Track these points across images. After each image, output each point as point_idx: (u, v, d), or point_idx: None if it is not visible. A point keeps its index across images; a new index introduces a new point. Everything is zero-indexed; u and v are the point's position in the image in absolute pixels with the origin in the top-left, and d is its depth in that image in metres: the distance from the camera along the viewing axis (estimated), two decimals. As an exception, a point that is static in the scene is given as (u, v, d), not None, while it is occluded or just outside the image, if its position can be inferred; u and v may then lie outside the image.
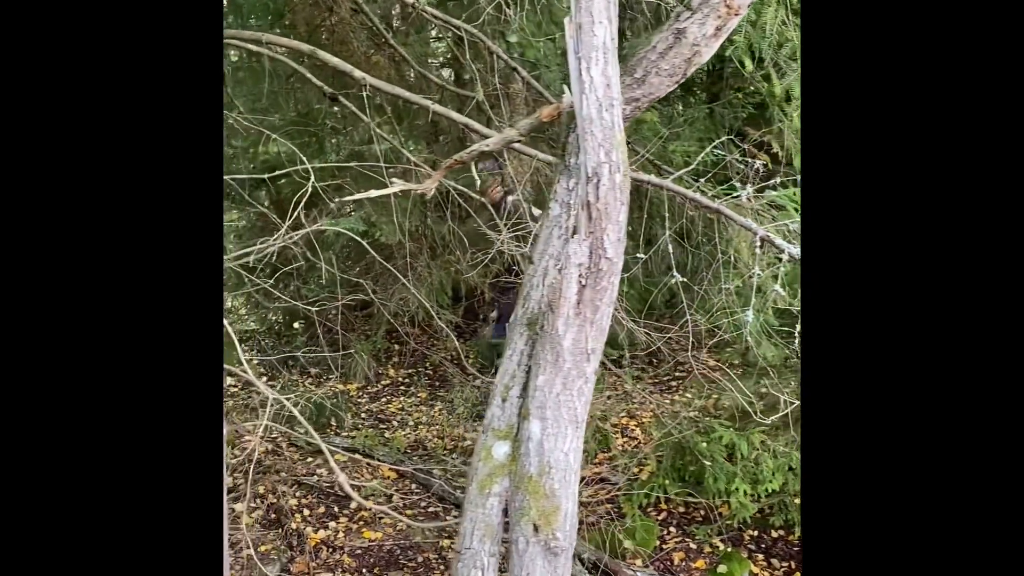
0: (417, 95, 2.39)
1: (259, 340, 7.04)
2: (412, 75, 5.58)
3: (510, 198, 5.33)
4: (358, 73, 2.34)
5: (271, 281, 2.66)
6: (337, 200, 2.32)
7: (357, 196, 1.73)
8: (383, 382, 6.71)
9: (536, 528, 1.57)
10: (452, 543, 3.76)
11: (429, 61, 6.18)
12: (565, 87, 1.63)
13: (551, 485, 1.59)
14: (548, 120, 1.65)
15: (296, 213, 2.04)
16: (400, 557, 3.63)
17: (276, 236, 2.13)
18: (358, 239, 2.50)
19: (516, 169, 3.05)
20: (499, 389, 1.74)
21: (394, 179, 1.59)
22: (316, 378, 6.56)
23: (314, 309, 3.07)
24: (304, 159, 2.14)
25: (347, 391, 6.32)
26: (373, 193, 1.64)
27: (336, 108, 5.39)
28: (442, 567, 3.55)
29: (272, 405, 2.17)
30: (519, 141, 1.72)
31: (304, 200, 2.06)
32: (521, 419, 1.65)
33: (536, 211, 4.73)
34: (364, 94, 2.28)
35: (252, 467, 2.07)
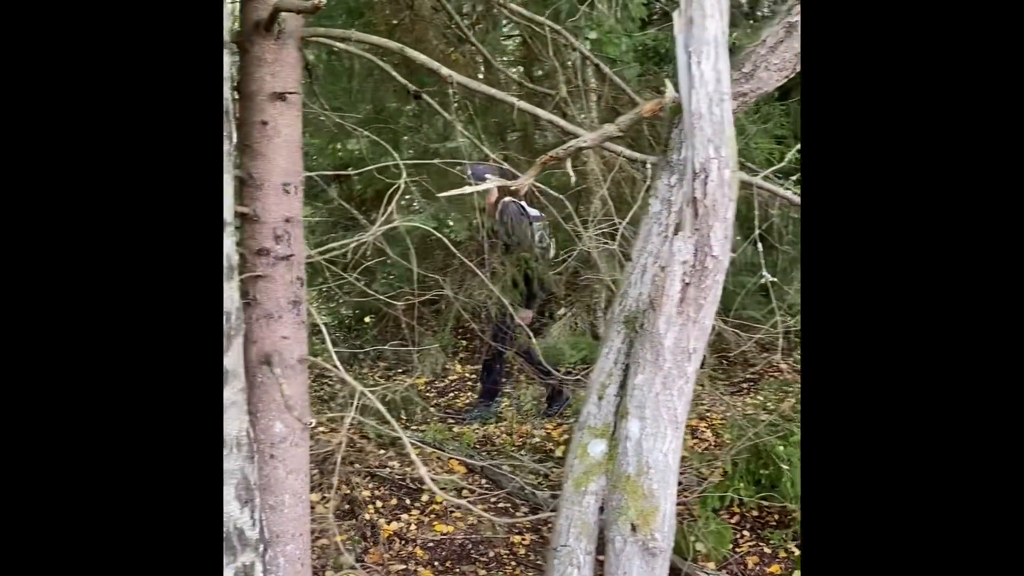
0: (502, 92, 2.39)
1: (330, 333, 7.15)
2: (482, 73, 5.61)
3: (511, 204, 5.26)
4: (445, 70, 2.35)
5: (354, 274, 2.70)
6: (440, 194, 2.33)
7: (454, 192, 1.74)
8: (450, 377, 6.77)
9: (634, 528, 1.56)
10: (523, 539, 3.77)
11: (499, 59, 6.20)
12: (668, 82, 1.61)
13: (649, 485, 1.57)
14: (649, 116, 1.63)
15: (388, 208, 2.06)
16: (472, 551, 3.66)
17: (371, 231, 2.15)
18: (439, 235, 2.52)
19: (599, 167, 3.03)
20: (595, 387, 1.73)
21: (488, 176, 1.59)
22: (385, 372, 6.66)
23: (400, 304, 3.09)
24: (394, 154, 2.16)
25: (415, 385, 6.40)
26: (469, 189, 1.65)
27: (409, 107, 5.46)
28: (513, 563, 3.57)
29: (359, 397, 2.20)
30: (619, 137, 1.71)
31: (396, 195, 2.08)
32: (618, 418, 1.64)
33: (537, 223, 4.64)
34: (451, 91, 2.29)
35: (339, 458, 2.10)
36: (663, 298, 1.54)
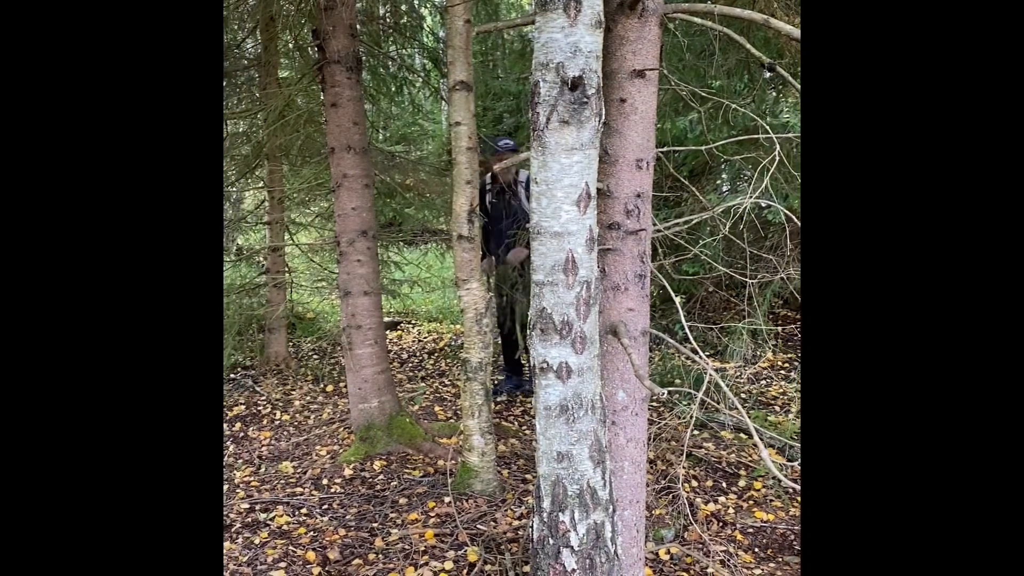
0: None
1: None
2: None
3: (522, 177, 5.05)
4: (809, 38, 2.24)
5: (697, 248, 2.69)
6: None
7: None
8: (761, 364, 6.55)
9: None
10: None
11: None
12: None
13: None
14: None
15: (761, 183, 2.02)
16: (794, 543, 3.52)
17: (717, 207, 2.13)
18: (789, 213, 2.42)
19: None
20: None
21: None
22: (692, 354, 6.62)
23: (758, 282, 3.02)
24: (764, 125, 2.11)
25: (724, 369, 6.28)
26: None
27: (736, 81, 5.31)
28: (841, 562, 3.36)
29: (709, 377, 2.20)
30: None
31: (768, 171, 2.03)
32: None
33: None
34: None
35: (687, 435, 2.12)
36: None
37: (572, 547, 2.12)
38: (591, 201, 2.07)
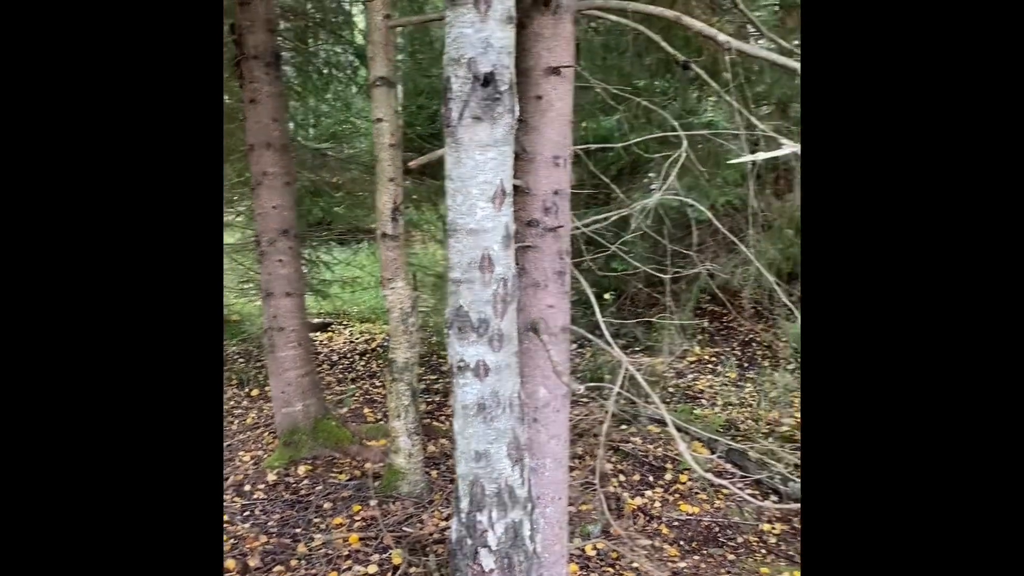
0: (784, 58, 2.27)
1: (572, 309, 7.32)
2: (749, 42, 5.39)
3: None
4: (722, 37, 2.28)
5: (615, 246, 2.71)
6: (731, 160, 2.27)
7: (745, 158, 1.68)
8: (689, 359, 6.66)
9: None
10: (773, 528, 3.63)
11: (750, 29, 5.94)
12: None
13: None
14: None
15: (667, 176, 2.03)
16: (719, 535, 3.58)
17: (633, 205, 2.15)
18: (703, 209, 2.45)
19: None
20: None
21: (785, 141, 1.51)
22: (623, 350, 6.69)
23: (671, 276, 3.05)
24: (675, 124, 2.13)
25: (653, 365, 6.37)
26: (762, 155, 1.58)
27: (658, 81, 5.38)
28: (763, 551, 3.44)
29: (624, 370, 2.21)
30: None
31: (675, 166, 2.05)
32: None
33: None
34: (728, 57, 2.21)
35: (606, 428, 2.13)
36: None
37: (490, 547, 2.10)
38: (507, 198, 2.06)
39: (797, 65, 2.17)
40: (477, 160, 1.99)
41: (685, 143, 2.01)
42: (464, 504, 2.13)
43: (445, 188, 2.07)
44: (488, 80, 1.93)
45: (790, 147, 1.50)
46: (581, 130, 5.62)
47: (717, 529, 3.63)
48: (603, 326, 2.14)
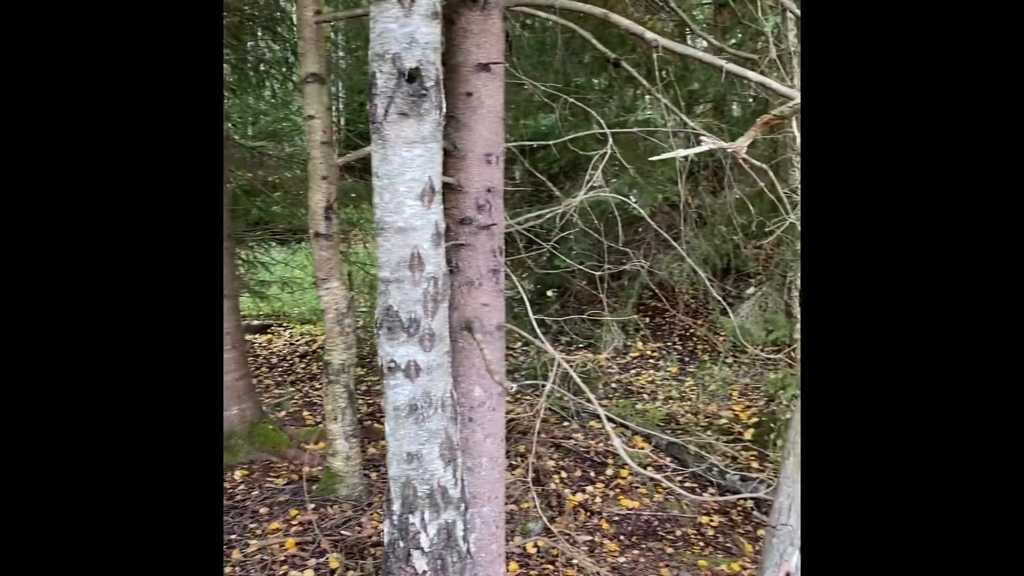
0: (709, 55, 2.30)
1: (516, 306, 7.35)
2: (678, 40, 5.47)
3: None
4: (649, 35, 2.29)
5: (548, 244, 2.71)
6: (653, 158, 2.28)
7: (667, 155, 1.69)
8: (631, 354, 6.72)
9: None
10: (711, 520, 3.68)
11: (687, 29, 6.03)
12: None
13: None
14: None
15: (591, 175, 2.04)
16: (658, 528, 3.62)
17: (567, 203, 2.14)
18: (636, 207, 2.46)
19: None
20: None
21: (704, 137, 1.52)
22: (567, 347, 6.72)
23: (605, 275, 3.06)
24: (601, 121, 2.13)
25: (596, 361, 6.41)
26: (683, 152, 1.59)
27: (598, 79, 5.41)
28: (701, 543, 3.49)
29: (557, 367, 2.21)
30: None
31: (600, 163, 2.05)
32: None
33: None
34: (656, 55, 2.23)
35: (537, 425, 2.12)
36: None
37: (423, 549, 2.08)
38: (436, 195, 2.03)
39: (723, 63, 2.19)
40: (404, 157, 1.96)
41: (611, 140, 2.01)
42: (396, 506, 2.10)
43: (372, 186, 2.03)
44: (413, 76, 1.91)
45: (708, 144, 1.51)
46: (520, 128, 5.62)
47: (656, 523, 3.66)
48: (534, 324, 2.14)
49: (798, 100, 1.69)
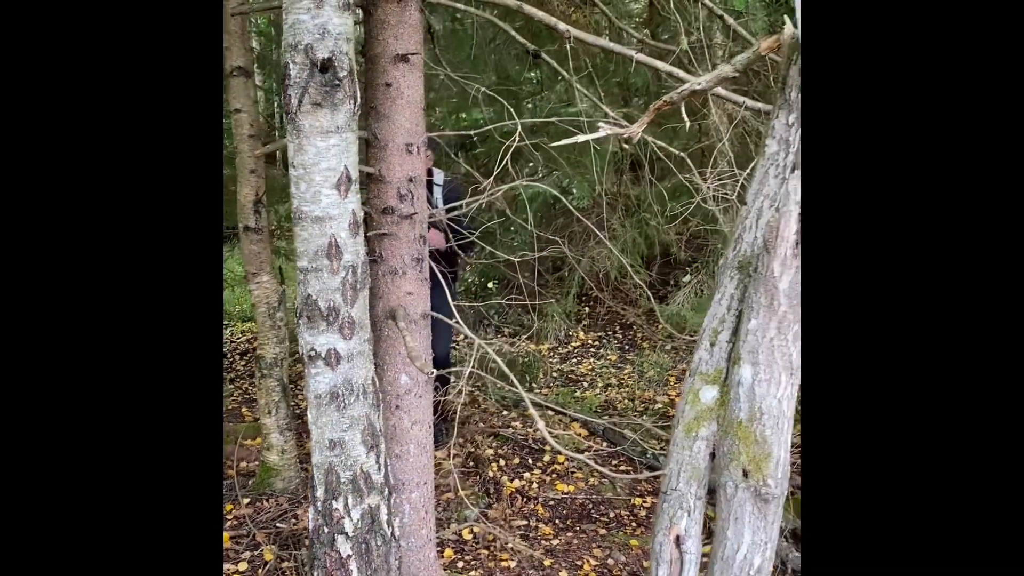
0: (621, 46, 2.37)
1: (457, 299, 7.37)
2: (608, 35, 5.56)
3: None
4: (562, 26, 2.35)
5: (475, 235, 2.76)
6: (551, 144, 2.33)
7: (566, 141, 1.74)
8: (573, 344, 6.81)
9: (746, 473, 1.53)
10: (644, 502, 3.77)
11: (624, 22, 6.13)
12: (787, 18, 1.55)
13: (762, 431, 1.54)
14: (767, 53, 1.57)
15: (502, 167, 2.09)
16: (592, 511, 3.70)
17: (489, 192, 2.19)
18: (559, 196, 2.53)
19: (721, 121, 2.95)
20: (707, 333, 1.71)
21: (601, 124, 1.59)
22: (509, 337, 6.78)
23: (525, 273, 3.10)
24: (513, 113, 2.18)
25: (539, 351, 6.48)
26: (581, 138, 1.65)
27: (532, 73, 5.47)
28: (633, 524, 3.58)
29: (478, 350, 2.26)
30: (734, 77, 1.67)
31: (507, 155, 2.10)
32: (731, 364, 1.61)
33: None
34: (569, 46, 2.29)
35: (458, 407, 2.17)
36: (778, 240, 1.49)
37: (347, 533, 2.11)
38: (352, 184, 2.06)
39: (632, 52, 2.27)
40: (319, 147, 1.99)
41: (519, 130, 2.07)
42: (320, 493, 2.13)
43: (289, 176, 2.06)
44: (326, 66, 1.93)
45: (606, 130, 1.58)
46: (456, 122, 5.65)
47: (591, 506, 3.74)
48: (454, 310, 2.18)
49: (697, 80, 1.76)
